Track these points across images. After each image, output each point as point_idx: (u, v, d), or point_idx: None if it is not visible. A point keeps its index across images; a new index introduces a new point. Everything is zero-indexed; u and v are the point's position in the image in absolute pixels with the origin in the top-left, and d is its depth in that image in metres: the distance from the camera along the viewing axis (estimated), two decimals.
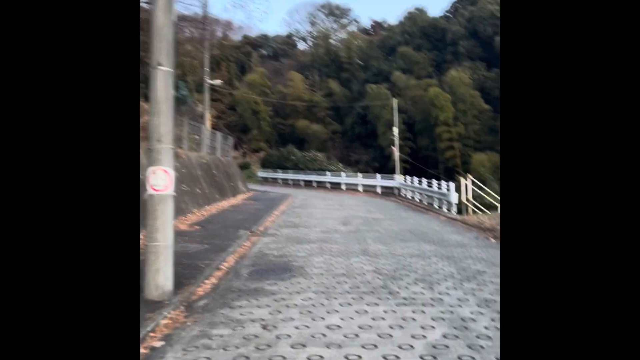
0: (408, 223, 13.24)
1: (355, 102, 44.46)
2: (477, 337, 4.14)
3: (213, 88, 55.96)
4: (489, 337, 4.10)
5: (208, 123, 23.29)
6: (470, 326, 4.40)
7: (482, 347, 3.91)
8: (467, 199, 17.14)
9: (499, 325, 4.30)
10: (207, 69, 23.42)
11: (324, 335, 4.16)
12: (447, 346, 3.92)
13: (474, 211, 17.08)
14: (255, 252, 8.26)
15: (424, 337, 4.12)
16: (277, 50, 67.65)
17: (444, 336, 4.14)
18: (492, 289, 5.77)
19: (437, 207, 17.98)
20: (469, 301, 5.26)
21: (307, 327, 4.38)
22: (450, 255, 8.14)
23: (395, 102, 31.33)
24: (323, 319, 4.61)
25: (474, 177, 19.20)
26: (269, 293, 5.57)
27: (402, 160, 34.32)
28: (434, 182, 19.26)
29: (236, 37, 68.80)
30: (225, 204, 16.85)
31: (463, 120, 35.58)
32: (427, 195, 20.08)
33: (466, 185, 17.98)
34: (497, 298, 5.38)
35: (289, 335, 4.15)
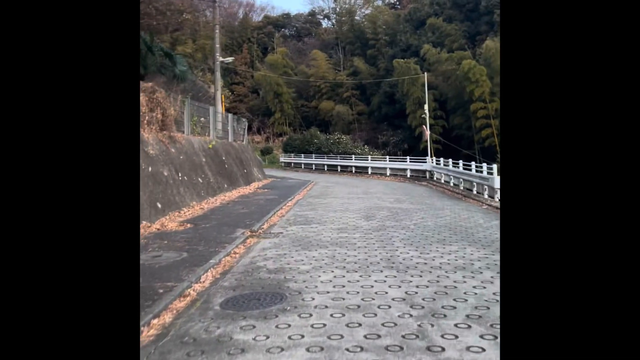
0: (445, 215, 10.98)
1: (382, 80, 41.78)
2: None
3: (235, 71, 54.20)
4: None
5: (220, 105, 21.34)
6: None
7: None
8: None
9: None
10: (217, 45, 21.40)
11: None
12: None
13: None
14: (245, 265, 6.24)
15: None
16: (300, 29, 65.20)
17: None
18: None
19: (476, 193, 15.59)
20: None
21: None
22: None
23: (425, 77, 28.69)
24: None
25: None
26: (236, 348, 3.53)
27: (433, 141, 31.77)
28: (473, 164, 16.81)
29: (257, 18, 66.77)
30: (234, 194, 14.93)
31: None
32: (464, 179, 17.68)
33: None
34: None
35: None
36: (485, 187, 14.85)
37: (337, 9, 60.61)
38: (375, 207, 12.46)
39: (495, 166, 14.56)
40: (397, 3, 57.34)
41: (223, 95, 23.94)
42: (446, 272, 5.71)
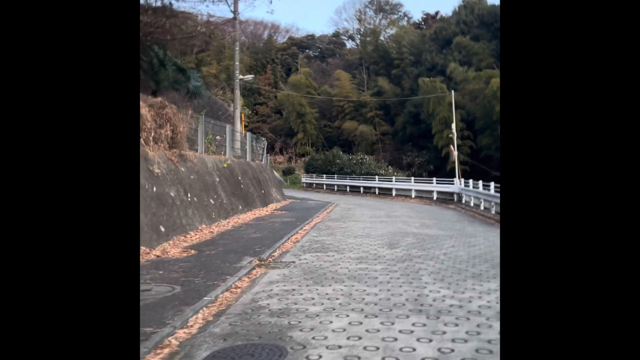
0: (478, 243, 9.84)
1: (406, 99, 40.87)
2: None
3: (258, 91, 54.11)
4: None
5: (239, 123, 20.71)
6: None
7: None
8: None
9: None
10: (237, 62, 20.90)
11: None
12: None
13: None
14: (245, 303, 5.28)
15: None
16: (324, 50, 65.15)
17: None
18: None
19: None
20: None
21: None
22: None
23: (452, 96, 27.65)
24: None
25: None
26: None
27: (461, 162, 30.51)
28: None
29: (282, 39, 67.09)
30: (248, 216, 14.07)
31: None
32: (495, 202, 16.44)
33: None
34: None
35: None
36: None
37: (362, 30, 60.41)
38: (399, 232, 11.39)
39: None
40: (423, 23, 56.70)
41: (243, 114, 23.36)
42: (487, 319, 4.64)
